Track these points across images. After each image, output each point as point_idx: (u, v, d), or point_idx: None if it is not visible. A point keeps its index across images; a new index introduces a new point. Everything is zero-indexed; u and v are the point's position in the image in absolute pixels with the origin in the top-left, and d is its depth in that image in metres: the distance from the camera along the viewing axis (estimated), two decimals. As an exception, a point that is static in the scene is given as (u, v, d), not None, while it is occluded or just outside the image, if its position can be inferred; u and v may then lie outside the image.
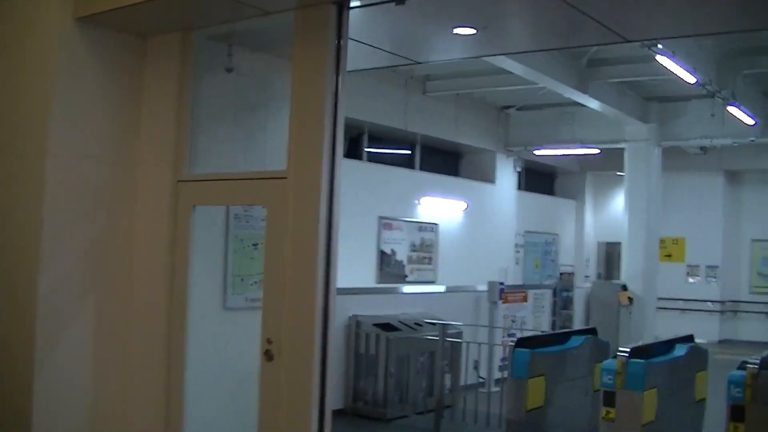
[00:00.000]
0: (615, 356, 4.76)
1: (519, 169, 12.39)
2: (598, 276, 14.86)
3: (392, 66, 6.13)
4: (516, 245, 12.48)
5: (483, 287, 8.60)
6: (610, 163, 12.65)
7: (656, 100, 11.17)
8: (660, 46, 7.30)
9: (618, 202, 13.42)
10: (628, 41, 4.72)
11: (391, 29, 4.81)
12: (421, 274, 10.34)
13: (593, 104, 9.97)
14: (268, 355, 4.04)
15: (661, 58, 7.62)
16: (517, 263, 12.53)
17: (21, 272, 4.31)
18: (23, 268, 4.30)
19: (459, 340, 7.33)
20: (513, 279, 11.33)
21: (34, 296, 4.23)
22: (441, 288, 9.37)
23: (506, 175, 12.12)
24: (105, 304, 4.58)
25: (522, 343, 5.41)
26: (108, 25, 4.43)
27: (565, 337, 5.89)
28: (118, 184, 4.62)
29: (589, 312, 11.11)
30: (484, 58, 7.37)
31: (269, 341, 4.04)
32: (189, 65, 4.50)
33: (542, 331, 8.65)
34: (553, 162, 13.50)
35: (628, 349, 4.72)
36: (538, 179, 13.88)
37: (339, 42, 3.94)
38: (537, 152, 12.21)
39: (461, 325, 7.52)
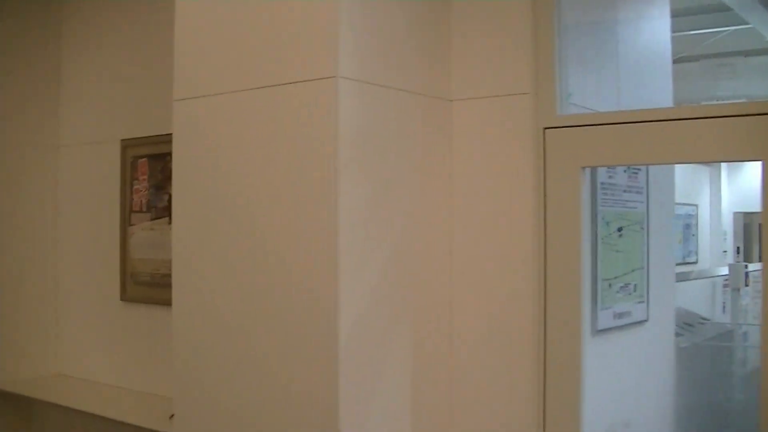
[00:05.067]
0: None
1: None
2: (737, 251, 13.16)
3: None
4: (656, 219, 10.68)
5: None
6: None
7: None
8: None
9: (755, 164, 11.59)
10: None
11: None
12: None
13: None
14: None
15: None
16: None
17: (319, 301, 2.47)
18: (320, 297, 2.47)
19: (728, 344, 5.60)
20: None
21: (334, 331, 2.41)
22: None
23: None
24: (422, 330, 2.77)
25: None
26: None
27: None
28: (425, 145, 2.80)
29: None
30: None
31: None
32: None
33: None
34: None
35: None
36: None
37: None
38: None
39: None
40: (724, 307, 6.83)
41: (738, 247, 13.52)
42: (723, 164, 12.94)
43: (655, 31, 3.62)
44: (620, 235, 3.19)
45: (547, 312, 2.72)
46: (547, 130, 2.72)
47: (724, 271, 6.98)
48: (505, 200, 2.76)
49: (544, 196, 2.72)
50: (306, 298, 2.45)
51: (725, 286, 6.83)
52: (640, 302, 3.34)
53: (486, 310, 2.78)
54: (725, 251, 12.73)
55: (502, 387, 2.76)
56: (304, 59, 2.47)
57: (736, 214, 13.73)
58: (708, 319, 5.93)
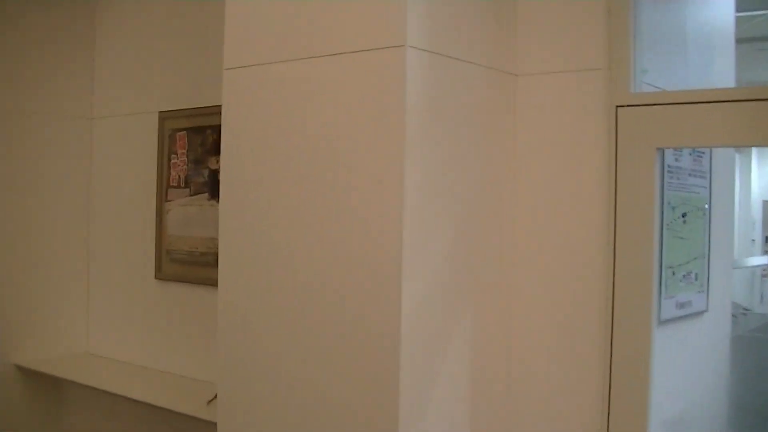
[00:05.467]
0: None
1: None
2: (766, 240, 12.94)
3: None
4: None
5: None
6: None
7: None
8: None
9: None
10: None
11: None
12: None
13: None
14: None
15: None
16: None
17: (380, 291, 2.32)
18: (382, 280, 2.32)
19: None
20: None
21: (396, 316, 2.27)
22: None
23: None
24: (482, 317, 2.64)
25: None
26: None
27: None
28: (490, 121, 2.66)
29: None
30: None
31: None
32: None
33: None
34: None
35: None
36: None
37: None
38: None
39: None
40: (762, 297, 6.67)
41: (767, 236, 13.33)
42: (753, 151, 12.74)
43: (720, 9, 3.46)
44: (684, 221, 3.04)
45: (615, 301, 2.58)
46: (619, 109, 2.57)
47: (758, 260, 6.81)
48: (573, 182, 2.62)
49: (616, 178, 2.57)
50: (366, 281, 2.31)
51: (764, 275, 6.68)
52: (700, 292, 3.19)
53: (550, 299, 2.64)
54: (753, 240, 12.55)
55: (566, 380, 2.62)
56: (372, 27, 2.32)
57: (765, 202, 13.52)
58: (749, 310, 5.78)
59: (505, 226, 2.68)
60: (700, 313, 3.24)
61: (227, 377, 2.67)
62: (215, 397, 3.21)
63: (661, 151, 2.61)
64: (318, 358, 2.42)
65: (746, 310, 5.69)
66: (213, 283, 3.46)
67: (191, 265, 3.61)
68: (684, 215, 3.05)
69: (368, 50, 2.32)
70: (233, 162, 2.67)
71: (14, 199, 3.91)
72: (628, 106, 2.56)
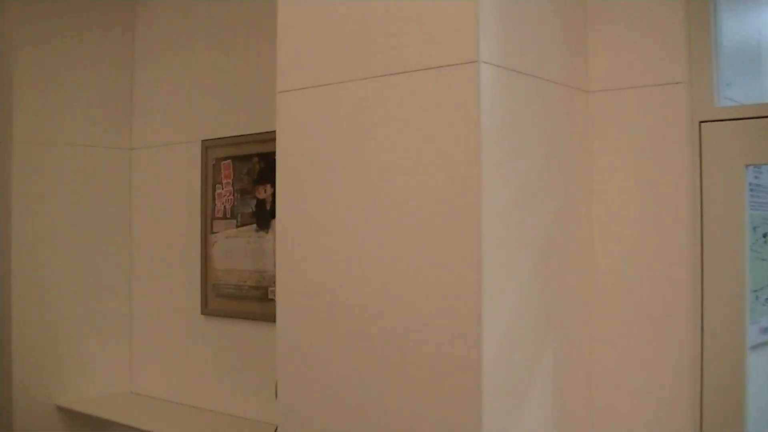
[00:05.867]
0: None
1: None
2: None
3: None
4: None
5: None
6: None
7: None
8: None
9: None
10: None
11: None
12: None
13: None
14: None
15: None
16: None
17: (458, 315, 2.15)
18: (460, 310, 2.15)
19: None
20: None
21: (476, 353, 2.09)
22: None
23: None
24: (566, 345, 2.47)
25: None
26: None
27: None
28: (565, 139, 2.50)
29: None
30: None
31: None
32: None
33: None
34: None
35: None
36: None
37: None
38: None
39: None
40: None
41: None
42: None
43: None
44: (765, 242, 2.86)
45: (704, 331, 2.40)
46: (703, 124, 2.41)
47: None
48: (654, 203, 2.45)
49: (701, 198, 2.40)
50: (443, 313, 2.15)
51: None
52: (783, 317, 3.00)
53: (634, 325, 2.46)
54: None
55: (652, 416, 2.44)
56: (441, 43, 2.17)
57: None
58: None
59: (584, 251, 2.51)
60: (781, 340, 3.04)
61: (289, 418, 2.50)
62: (272, 438, 3.05)
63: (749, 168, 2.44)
64: (391, 403, 2.25)
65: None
66: (263, 318, 3.32)
67: (239, 299, 3.46)
68: (765, 235, 2.87)
69: (438, 67, 2.17)
70: (290, 191, 2.52)
71: (54, 232, 3.79)
72: (713, 121, 2.39)
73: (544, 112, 2.38)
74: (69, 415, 3.82)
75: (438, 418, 2.14)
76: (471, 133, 2.09)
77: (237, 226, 3.47)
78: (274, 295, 3.25)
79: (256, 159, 3.37)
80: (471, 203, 2.08)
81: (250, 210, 3.41)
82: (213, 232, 3.58)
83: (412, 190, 2.20)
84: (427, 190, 2.17)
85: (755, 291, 2.79)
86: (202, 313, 3.64)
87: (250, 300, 3.41)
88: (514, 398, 2.21)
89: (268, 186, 3.32)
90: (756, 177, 2.82)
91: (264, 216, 3.34)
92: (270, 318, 3.29)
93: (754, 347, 2.82)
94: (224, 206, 3.53)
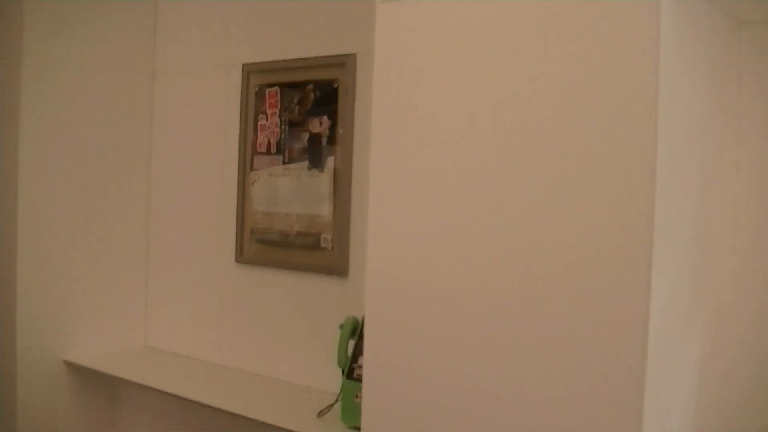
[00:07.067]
0: None
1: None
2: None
3: None
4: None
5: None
6: None
7: None
8: None
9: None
10: None
11: None
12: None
13: None
14: None
15: None
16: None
17: (624, 287, 1.76)
18: (626, 280, 1.75)
19: None
20: None
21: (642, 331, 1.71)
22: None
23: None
24: (715, 322, 2.10)
25: None
26: None
27: None
28: (721, 87, 2.10)
29: None
30: None
31: None
32: None
33: None
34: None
35: None
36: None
37: None
38: None
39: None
40: None
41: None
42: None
43: None
44: None
45: None
46: None
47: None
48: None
49: None
50: (603, 285, 1.75)
51: None
52: None
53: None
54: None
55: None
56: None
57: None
58: None
59: (727, 232, 2.13)
60: None
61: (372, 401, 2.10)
62: (329, 407, 2.67)
63: None
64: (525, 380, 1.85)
65: None
66: (312, 269, 2.92)
67: (283, 247, 3.04)
68: None
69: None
70: (388, 128, 2.08)
71: (64, 168, 3.31)
72: None
73: (714, 45, 1.97)
74: (77, 371, 3.39)
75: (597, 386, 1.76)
76: (647, 79, 1.67)
77: (284, 163, 3.03)
78: (328, 244, 2.85)
79: (311, 86, 2.93)
80: (645, 149, 1.68)
81: (302, 145, 2.97)
82: (253, 169, 3.14)
83: (572, 127, 1.78)
84: (586, 130, 1.76)
85: None
86: (236, 261, 3.22)
87: (296, 248, 2.99)
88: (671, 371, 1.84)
89: (325, 118, 2.89)
90: None
91: (318, 152, 2.91)
92: (321, 270, 2.89)
93: None
94: (268, 140, 3.09)
